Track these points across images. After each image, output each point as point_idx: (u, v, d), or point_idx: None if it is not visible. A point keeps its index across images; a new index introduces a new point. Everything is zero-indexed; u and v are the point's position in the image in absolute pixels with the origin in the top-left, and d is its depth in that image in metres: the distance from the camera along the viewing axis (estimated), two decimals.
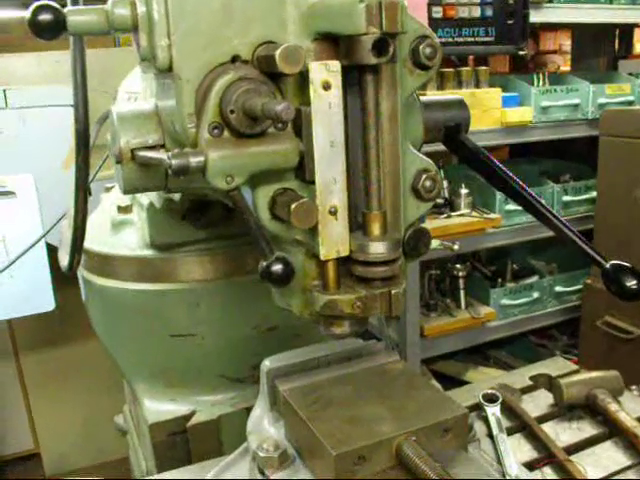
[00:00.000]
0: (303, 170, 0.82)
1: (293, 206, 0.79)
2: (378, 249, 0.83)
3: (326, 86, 0.77)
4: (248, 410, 1.16)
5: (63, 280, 1.52)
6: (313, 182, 0.81)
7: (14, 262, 1.73)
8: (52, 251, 2.23)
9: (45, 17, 0.75)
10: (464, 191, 3.29)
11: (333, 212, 0.82)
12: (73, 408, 3.53)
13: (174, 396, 1.57)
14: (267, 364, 1.11)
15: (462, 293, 3.42)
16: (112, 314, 1.57)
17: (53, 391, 3.53)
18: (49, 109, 2.60)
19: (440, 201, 3.20)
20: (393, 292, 0.85)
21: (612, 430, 1.40)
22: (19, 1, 3.10)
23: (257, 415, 1.12)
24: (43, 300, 2.53)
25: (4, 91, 2.55)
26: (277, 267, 0.85)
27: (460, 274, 3.43)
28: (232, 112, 0.77)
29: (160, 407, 1.55)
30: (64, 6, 0.81)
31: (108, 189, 1.80)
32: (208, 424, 1.52)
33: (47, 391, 3.54)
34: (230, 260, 1.45)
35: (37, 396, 3.57)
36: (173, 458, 1.51)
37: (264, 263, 0.85)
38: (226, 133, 0.79)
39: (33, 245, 1.71)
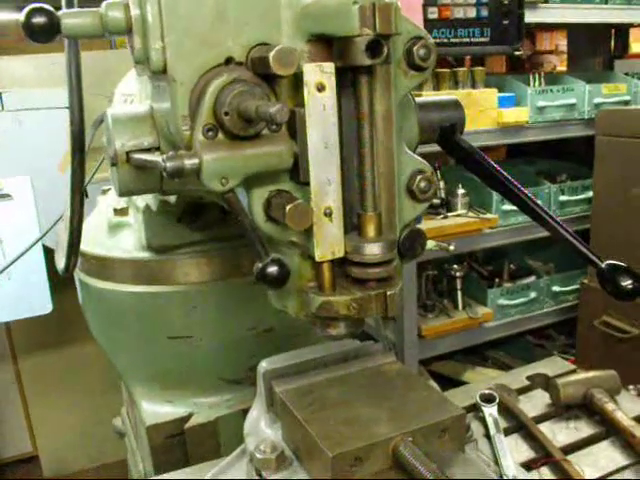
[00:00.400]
0: (298, 172, 0.82)
1: (288, 208, 0.79)
2: (373, 250, 0.83)
3: (320, 87, 0.77)
4: (245, 411, 1.16)
5: (60, 282, 1.53)
6: (308, 183, 0.81)
7: (10, 265, 1.73)
8: (49, 253, 2.23)
9: (39, 20, 0.75)
10: (461, 191, 3.29)
11: (328, 213, 0.82)
12: (71, 410, 3.53)
13: (171, 398, 1.57)
14: (264, 365, 1.11)
15: (459, 293, 3.42)
16: (109, 316, 1.57)
17: (51, 394, 3.53)
18: (45, 111, 2.60)
19: (437, 201, 3.20)
20: (389, 293, 0.86)
21: (609, 430, 1.40)
22: (15, 4, 3.10)
23: (254, 417, 1.12)
24: (40, 303, 2.53)
25: (0, 94, 2.55)
26: (272, 269, 0.85)
27: (457, 274, 3.43)
28: (226, 114, 0.77)
29: (157, 409, 1.55)
30: (58, 9, 0.81)
31: (105, 191, 1.80)
32: (205, 426, 1.52)
33: (45, 394, 3.54)
34: (226, 262, 1.45)
35: (35, 399, 3.57)
36: (171, 460, 1.51)
37: (259, 265, 0.85)
38: (220, 135, 0.79)
39: (29, 248, 1.71)
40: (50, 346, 3.49)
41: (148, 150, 0.92)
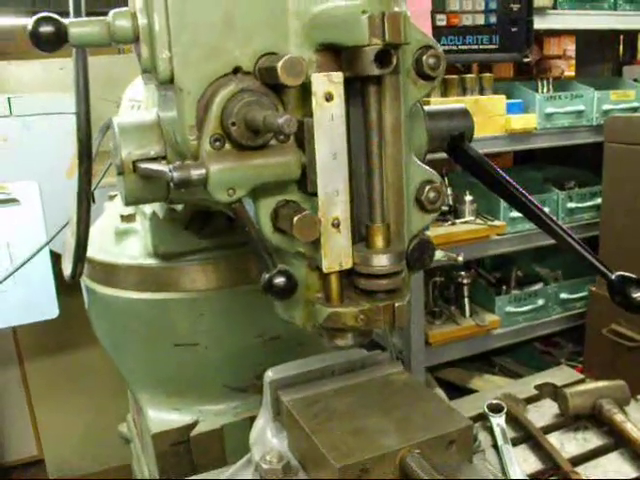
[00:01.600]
0: (306, 182, 0.81)
1: (295, 219, 0.78)
2: (381, 262, 0.82)
3: (328, 97, 0.76)
4: (252, 419, 1.16)
5: (67, 286, 1.53)
6: (316, 194, 0.80)
7: (17, 269, 1.73)
8: (56, 258, 2.23)
9: (46, 29, 0.75)
10: (468, 198, 3.28)
11: (336, 224, 0.81)
12: (77, 414, 3.53)
13: (177, 405, 1.56)
14: (270, 375, 1.10)
15: (467, 301, 3.40)
16: (115, 323, 1.57)
17: (57, 397, 3.53)
18: (53, 116, 2.60)
19: (444, 208, 3.19)
20: (397, 305, 0.85)
21: (618, 441, 1.39)
22: (24, 9, 3.11)
23: (260, 426, 1.12)
24: (47, 307, 2.53)
25: (8, 99, 2.56)
26: (279, 280, 0.84)
27: (465, 281, 3.42)
28: (233, 124, 0.76)
29: (163, 417, 1.55)
30: (63, 14, 0.80)
31: (112, 197, 1.80)
32: (211, 434, 1.52)
33: (51, 397, 3.54)
34: (233, 269, 1.45)
35: (41, 402, 3.57)
36: (176, 468, 1.51)
37: (266, 276, 0.85)
38: (227, 145, 0.78)
39: (36, 253, 1.70)
40: (56, 349, 3.49)
41: (155, 159, 0.92)
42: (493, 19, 2.12)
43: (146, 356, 1.56)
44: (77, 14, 0.89)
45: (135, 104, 1.47)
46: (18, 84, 3.08)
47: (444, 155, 1.11)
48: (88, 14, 0.86)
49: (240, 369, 1.52)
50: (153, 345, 1.52)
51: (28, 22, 0.76)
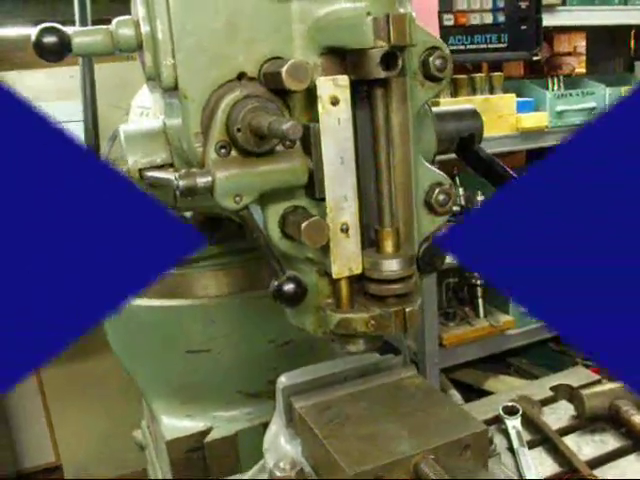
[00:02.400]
0: (313, 187, 0.81)
1: (304, 224, 0.77)
2: (391, 266, 0.82)
3: (334, 101, 0.75)
4: (265, 425, 1.15)
5: None
6: (323, 199, 0.79)
7: None
8: None
9: (50, 39, 0.75)
10: (480, 198, 3.25)
11: (345, 229, 0.80)
12: (93, 420, 3.54)
13: (191, 412, 1.56)
14: (283, 381, 1.09)
15: (480, 301, 3.38)
16: (127, 331, 1.56)
17: (73, 404, 3.55)
18: (64, 125, 2.61)
19: (456, 209, 3.17)
20: (407, 310, 0.84)
21: (636, 442, 1.36)
22: (33, 19, 3.13)
23: (273, 432, 1.11)
24: None
25: None
26: (289, 287, 0.83)
27: (478, 282, 3.39)
28: (239, 131, 0.76)
29: (177, 423, 1.54)
30: (66, 22, 0.80)
31: None
32: (225, 440, 1.51)
33: (67, 404, 3.56)
34: (245, 275, 1.44)
35: (57, 409, 3.59)
36: (191, 474, 1.50)
37: (275, 283, 0.84)
38: (233, 152, 0.78)
39: None
40: (72, 356, 3.50)
41: (161, 167, 0.91)
42: (501, 17, 2.11)
43: (159, 363, 1.56)
44: (83, 23, 0.89)
45: (144, 111, 1.47)
46: (28, 93, 3.09)
47: (455, 155, 1.10)
48: (95, 22, 0.86)
49: (253, 375, 1.52)
50: (165, 352, 1.52)
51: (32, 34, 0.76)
